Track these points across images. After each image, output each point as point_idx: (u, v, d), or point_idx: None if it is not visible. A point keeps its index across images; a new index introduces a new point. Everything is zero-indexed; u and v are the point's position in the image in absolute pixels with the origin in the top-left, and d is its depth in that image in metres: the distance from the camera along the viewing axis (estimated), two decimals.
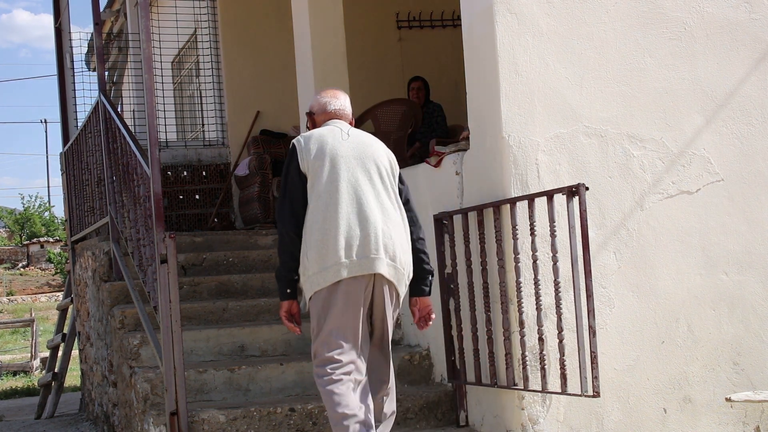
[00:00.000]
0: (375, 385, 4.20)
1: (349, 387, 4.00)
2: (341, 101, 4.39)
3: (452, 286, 4.95)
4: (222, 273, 6.50)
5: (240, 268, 6.63)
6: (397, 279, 4.12)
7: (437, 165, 5.16)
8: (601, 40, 4.76)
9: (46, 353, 13.19)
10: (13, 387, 14.79)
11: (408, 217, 4.23)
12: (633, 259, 4.75)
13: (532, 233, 4.35)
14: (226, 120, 9.63)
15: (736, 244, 4.91)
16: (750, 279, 4.92)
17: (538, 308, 4.31)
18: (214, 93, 9.68)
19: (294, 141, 4.21)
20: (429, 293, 4.32)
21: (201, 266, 6.56)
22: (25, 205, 44.45)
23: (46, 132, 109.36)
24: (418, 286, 4.29)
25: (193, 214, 9.28)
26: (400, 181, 4.31)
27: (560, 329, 4.23)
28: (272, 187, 8.59)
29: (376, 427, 4.15)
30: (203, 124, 10.06)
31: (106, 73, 8.66)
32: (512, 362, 4.52)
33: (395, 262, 4.08)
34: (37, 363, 18.04)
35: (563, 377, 4.23)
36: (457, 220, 4.95)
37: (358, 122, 7.80)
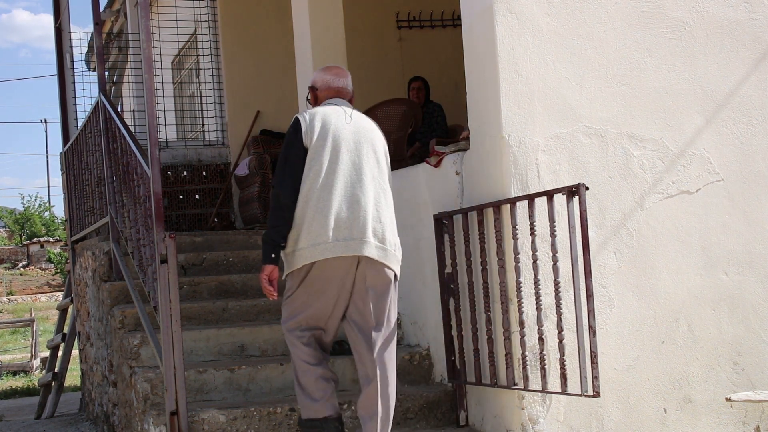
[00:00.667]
0: (362, 380, 4.30)
1: (315, 348, 4.25)
2: (345, 80, 4.49)
3: (452, 286, 4.95)
4: (222, 273, 6.50)
5: (240, 268, 6.63)
6: (388, 259, 4.24)
7: (437, 165, 5.16)
8: (601, 39, 4.77)
9: (46, 353, 13.20)
10: (13, 387, 14.80)
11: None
12: (633, 259, 4.75)
13: (532, 233, 4.35)
14: (226, 120, 9.63)
15: (736, 244, 4.91)
16: (750, 279, 4.92)
17: (538, 308, 4.31)
18: (214, 93, 9.68)
19: (298, 115, 4.30)
20: None
21: (201, 266, 6.56)
22: (25, 205, 44.49)
23: (46, 132, 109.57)
24: None
25: (193, 214, 9.28)
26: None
27: (560, 329, 4.23)
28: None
29: (371, 418, 4.22)
30: (203, 124, 10.06)
31: (106, 73, 8.66)
32: (512, 362, 4.52)
33: (384, 243, 4.22)
34: (37, 363, 18.05)
35: (563, 377, 4.23)
36: (457, 220, 4.95)
37: None
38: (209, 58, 9.76)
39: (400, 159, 7.72)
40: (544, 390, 4.35)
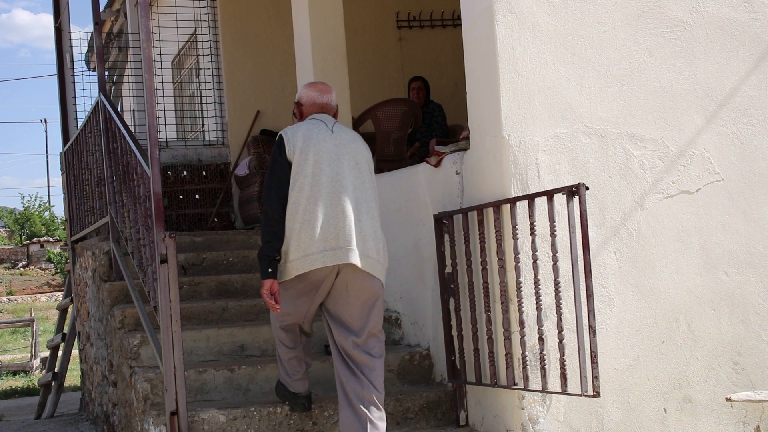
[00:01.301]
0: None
1: (292, 333, 4.59)
2: (329, 96, 4.69)
3: (452, 285, 4.95)
4: (222, 273, 6.50)
5: (240, 267, 6.63)
6: (372, 267, 4.42)
7: (437, 165, 5.16)
8: (601, 39, 4.76)
9: (46, 353, 13.21)
10: (13, 387, 14.81)
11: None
12: (633, 259, 4.75)
13: (532, 233, 4.35)
14: (226, 120, 9.63)
15: (736, 244, 4.91)
16: (750, 279, 4.92)
17: (538, 308, 4.30)
18: (214, 93, 9.68)
19: (282, 132, 4.51)
20: None
21: (201, 266, 6.56)
22: (25, 205, 44.52)
23: (46, 132, 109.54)
24: None
25: (193, 214, 9.28)
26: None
27: (560, 329, 4.23)
28: None
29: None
30: (203, 124, 10.05)
31: (106, 73, 8.66)
32: (512, 362, 4.52)
33: (368, 252, 4.40)
34: (37, 363, 18.05)
35: (563, 377, 4.23)
36: (457, 219, 4.95)
37: (358, 122, 7.82)
38: (209, 58, 9.75)
39: (400, 159, 7.72)
40: (544, 390, 4.35)
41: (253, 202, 8.74)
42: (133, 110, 10.63)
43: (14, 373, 17.98)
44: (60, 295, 28.24)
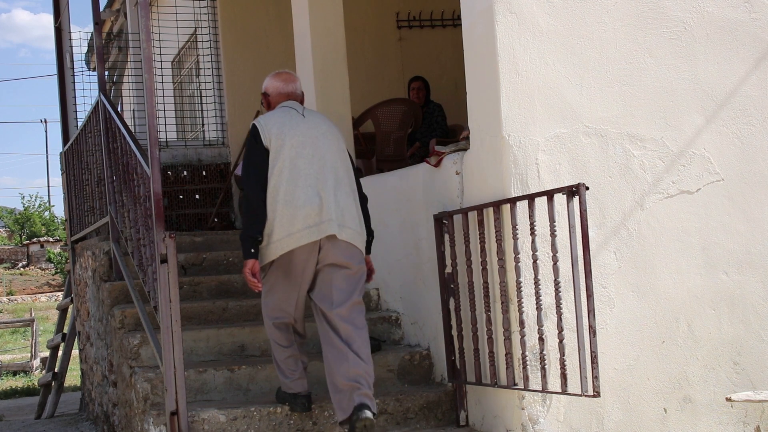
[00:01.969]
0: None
1: (286, 331, 4.72)
2: (294, 84, 4.92)
3: (452, 285, 4.95)
4: (222, 273, 6.50)
5: (240, 267, 6.60)
6: (352, 238, 4.62)
7: (437, 165, 5.16)
8: (602, 39, 4.76)
9: (46, 353, 13.20)
10: (13, 387, 14.81)
11: (358, 186, 4.82)
12: (633, 259, 4.75)
13: (532, 233, 4.35)
14: (226, 120, 9.63)
15: (736, 244, 4.91)
16: (750, 279, 4.92)
17: (539, 308, 4.30)
18: (214, 93, 9.68)
19: (255, 122, 4.78)
20: (369, 252, 4.83)
21: (201, 266, 6.56)
22: (25, 205, 44.50)
23: (46, 132, 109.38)
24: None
25: (193, 214, 9.28)
26: (348, 153, 4.87)
27: (560, 329, 4.23)
28: None
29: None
30: (203, 124, 10.06)
31: (106, 73, 8.66)
32: (512, 362, 4.52)
33: (347, 224, 4.61)
34: (37, 363, 18.05)
35: (563, 377, 4.23)
36: (457, 219, 4.95)
37: (358, 122, 7.82)
38: (209, 58, 9.75)
39: (400, 159, 7.72)
40: (544, 390, 4.35)
41: None
42: (133, 110, 10.63)
43: (14, 373, 17.99)
44: (60, 295, 28.24)
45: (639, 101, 4.79)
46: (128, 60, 12.04)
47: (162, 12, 10.07)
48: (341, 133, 4.88)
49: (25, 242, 39.88)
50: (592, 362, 4.09)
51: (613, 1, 4.79)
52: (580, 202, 4.12)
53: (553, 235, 4.24)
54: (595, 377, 4.09)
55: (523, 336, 4.44)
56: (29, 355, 19.42)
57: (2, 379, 17.17)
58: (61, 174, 8.58)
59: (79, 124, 7.68)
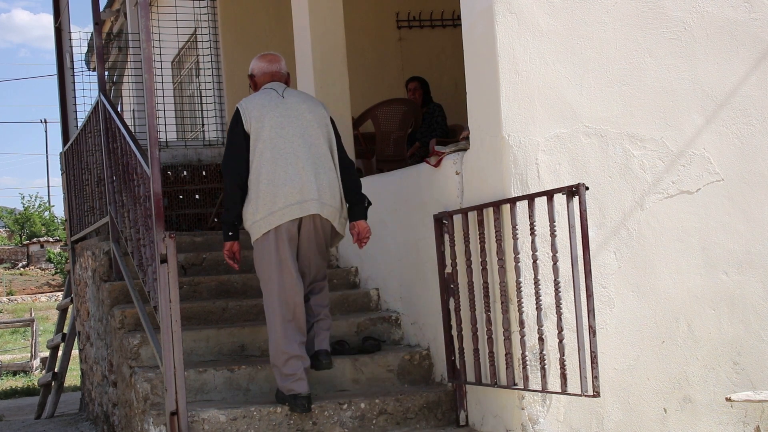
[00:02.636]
0: (316, 309, 5.00)
1: (292, 330, 4.81)
2: (278, 64, 5.14)
3: (452, 285, 4.95)
4: (222, 273, 6.50)
5: (240, 267, 6.61)
6: (332, 216, 4.86)
7: (437, 165, 5.16)
8: (601, 39, 4.76)
9: (46, 353, 13.20)
10: (13, 387, 14.81)
11: (341, 156, 4.99)
12: (633, 259, 4.75)
13: (532, 233, 4.35)
14: (226, 120, 9.62)
15: (736, 244, 4.91)
16: (750, 279, 4.92)
17: (538, 308, 4.30)
18: (213, 93, 9.68)
19: (237, 105, 4.95)
20: (365, 217, 5.04)
21: (201, 266, 6.56)
22: (25, 205, 44.51)
23: (46, 132, 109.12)
24: (354, 210, 5.03)
25: (193, 214, 9.27)
26: (334, 126, 5.02)
27: (560, 329, 4.23)
28: None
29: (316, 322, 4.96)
30: (203, 124, 10.06)
31: (106, 73, 8.66)
32: (512, 362, 4.52)
33: (327, 202, 4.82)
34: (37, 363, 18.05)
35: (563, 377, 4.23)
36: (457, 219, 4.95)
37: (358, 122, 7.83)
38: (209, 58, 9.76)
39: (400, 159, 7.73)
40: (544, 390, 4.35)
41: None
42: (133, 110, 10.62)
43: (14, 373, 17.99)
44: (60, 295, 28.23)
45: (639, 101, 4.79)
46: (128, 60, 12.05)
47: (162, 12, 10.07)
48: (326, 109, 5.03)
49: (25, 242, 39.89)
50: (592, 362, 4.09)
51: (613, 1, 4.79)
52: (579, 202, 4.12)
53: (552, 235, 4.24)
54: (595, 377, 4.09)
55: (522, 336, 4.44)
56: (29, 355, 19.43)
57: (2, 379, 17.18)
58: (61, 174, 8.58)
59: (79, 124, 7.68)
